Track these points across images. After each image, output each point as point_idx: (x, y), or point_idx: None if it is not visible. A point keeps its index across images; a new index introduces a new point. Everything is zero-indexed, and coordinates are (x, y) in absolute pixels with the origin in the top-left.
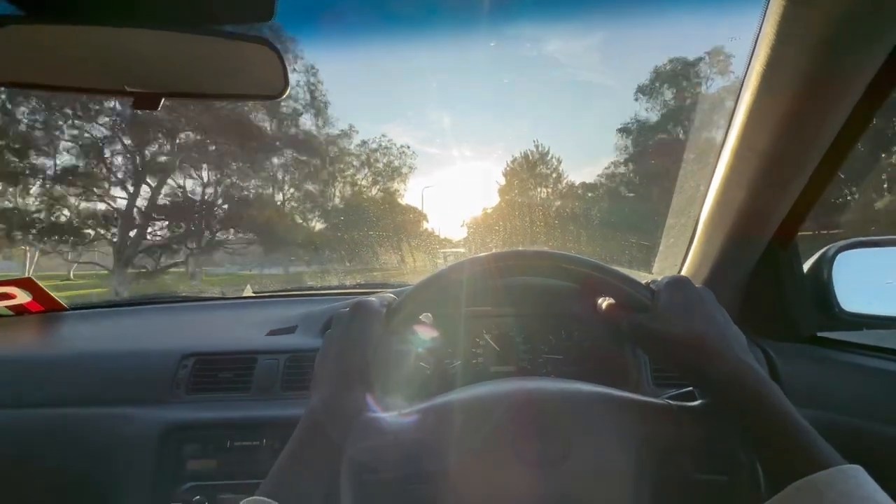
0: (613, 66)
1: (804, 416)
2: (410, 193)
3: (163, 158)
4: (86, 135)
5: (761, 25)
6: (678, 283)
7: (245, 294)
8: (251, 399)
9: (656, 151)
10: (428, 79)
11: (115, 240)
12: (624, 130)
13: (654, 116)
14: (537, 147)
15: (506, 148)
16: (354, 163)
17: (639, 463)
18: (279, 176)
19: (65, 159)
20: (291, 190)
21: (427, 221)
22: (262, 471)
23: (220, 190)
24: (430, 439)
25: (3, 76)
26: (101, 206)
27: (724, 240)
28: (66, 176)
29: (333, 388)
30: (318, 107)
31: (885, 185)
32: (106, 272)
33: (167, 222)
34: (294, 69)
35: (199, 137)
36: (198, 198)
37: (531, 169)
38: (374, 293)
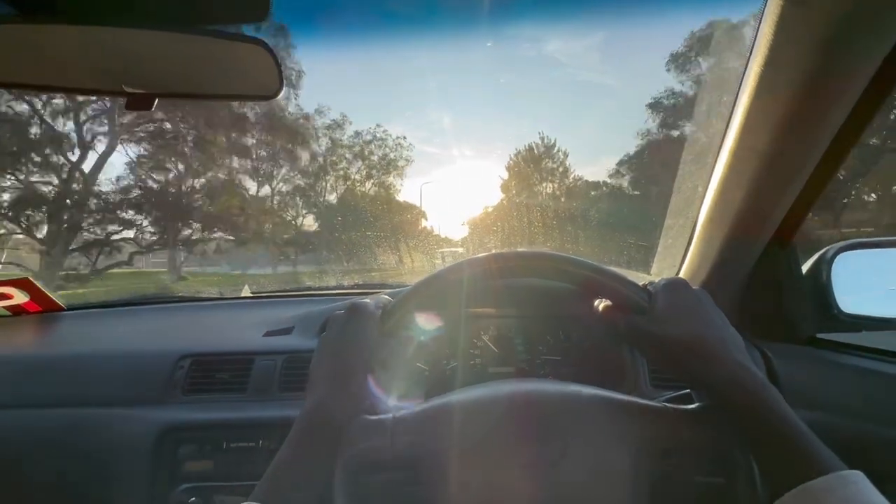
0: (614, 66)
1: (803, 417)
2: (408, 190)
3: (101, 136)
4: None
5: (759, 25)
6: (675, 286)
7: (243, 294)
8: (248, 400)
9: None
10: (427, 78)
11: (41, 235)
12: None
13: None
14: (543, 140)
15: (506, 148)
16: (347, 155)
17: (636, 465)
18: (239, 158)
19: None
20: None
21: (426, 219)
22: (258, 472)
23: (177, 177)
24: (426, 441)
25: None
26: (26, 193)
27: (722, 240)
28: None
29: (328, 390)
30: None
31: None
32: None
33: (109, 214)
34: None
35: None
36: (149, 185)
37: (536, 162)
38: (371, 294)
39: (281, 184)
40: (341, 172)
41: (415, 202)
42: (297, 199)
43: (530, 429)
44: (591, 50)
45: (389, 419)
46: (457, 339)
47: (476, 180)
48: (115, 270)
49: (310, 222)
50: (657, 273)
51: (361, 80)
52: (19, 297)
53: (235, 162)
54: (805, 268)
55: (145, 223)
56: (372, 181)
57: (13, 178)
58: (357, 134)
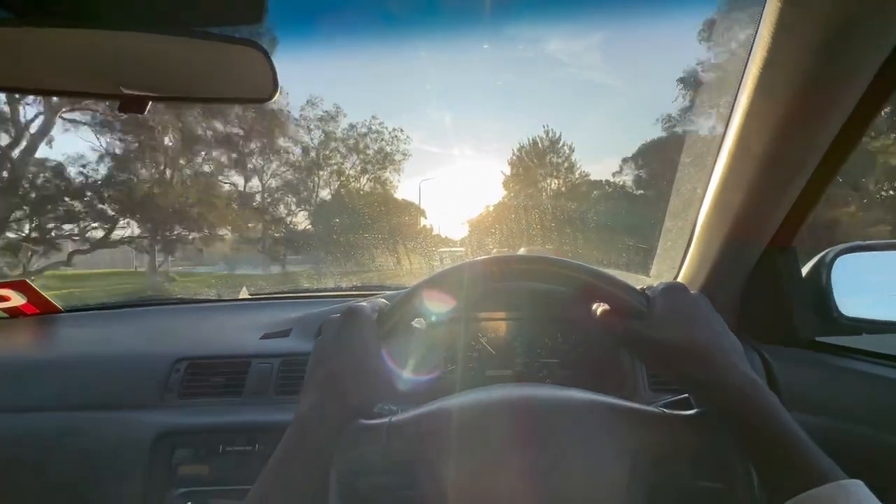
0: (614, 66)
1: (802, 421)
2: (406, 188)
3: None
4: None
5: (759, 26)
6: (674, 290)
7: (241, 296)
8: (244, 403)
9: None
10: (427, 77)
11: None
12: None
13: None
14: (547, 133)
15: (506, 147)
16: (341, 149)
17: (633, 471)
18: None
19: None
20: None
21: (425, 217)
22: (254, 476)
23: (143, 164)
24: (421, 446)
25: None
26: None
27: (721, 243)
28: None
29: (323, 394)
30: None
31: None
32: None
33: (44, 207)
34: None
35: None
36: (94, 175)
37: (540, 157)
38: (369, 296)
39: (271, 179)
40: (335, 167)
41: (413, 200)
42: (288, 195)
43: (526, 434)
44: (592, 49)
45: (384, 424)
46: (455, 343)
47: (477, 179)
48: (60, 272)
49: (301, 220)
50: (656, 275)
51: (361, 81)
52: (17, 300)
53: (214, 150)
54: (805, 271)
55: (89, 216)
56: (367, 176)
57: None
58: (352, 126)
